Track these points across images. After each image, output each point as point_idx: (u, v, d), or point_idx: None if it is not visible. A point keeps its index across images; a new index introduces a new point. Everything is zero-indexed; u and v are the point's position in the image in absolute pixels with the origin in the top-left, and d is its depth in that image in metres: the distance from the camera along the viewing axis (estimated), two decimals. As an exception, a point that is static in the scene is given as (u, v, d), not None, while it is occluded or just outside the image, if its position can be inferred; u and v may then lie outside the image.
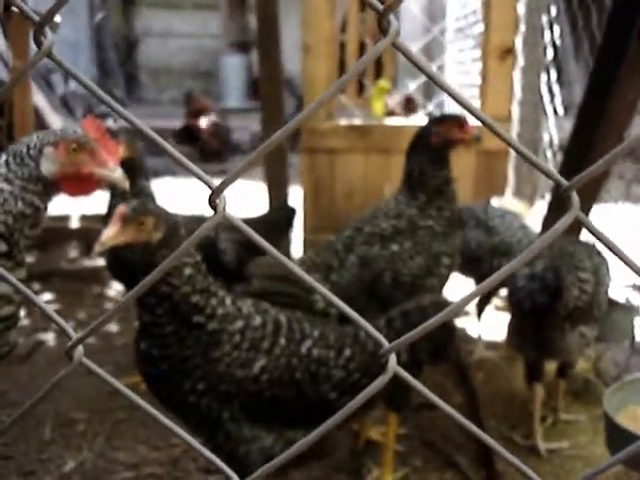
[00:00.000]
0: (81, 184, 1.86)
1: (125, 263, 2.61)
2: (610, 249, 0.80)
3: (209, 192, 0.79)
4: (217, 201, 0.78)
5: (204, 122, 9.94)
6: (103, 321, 0.83)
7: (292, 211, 4.07)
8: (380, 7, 0.76)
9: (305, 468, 2.82)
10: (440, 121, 2.97)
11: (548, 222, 3.91)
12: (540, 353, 2.98)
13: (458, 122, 2.92)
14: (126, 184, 1.87)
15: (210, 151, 10.01)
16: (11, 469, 3.06)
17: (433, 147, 2.91)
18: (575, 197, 0.77)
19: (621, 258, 0.81)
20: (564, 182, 0.77)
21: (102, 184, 1.88)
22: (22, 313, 4.77)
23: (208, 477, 3.01)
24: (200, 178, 0.79)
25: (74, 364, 0.85)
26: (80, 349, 0.85)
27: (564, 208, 0.76)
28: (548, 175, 0.78)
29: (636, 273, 0.82)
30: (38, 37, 0.79)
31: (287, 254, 4.78)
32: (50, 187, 1.83)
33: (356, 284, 2.86)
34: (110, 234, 2.00)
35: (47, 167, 1.80)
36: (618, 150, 0.77)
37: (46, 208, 1.86)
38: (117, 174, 1.84)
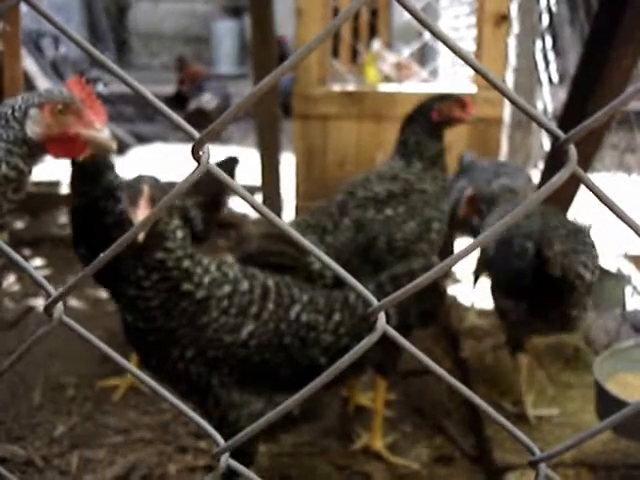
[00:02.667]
0: (67, 146, 1.82)
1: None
2: (607, 205, 0.78)
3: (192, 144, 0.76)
4: (200, 152, 0.76)
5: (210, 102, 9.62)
6: (83, 275, 0.81)
7: (234, 161, 3.96)
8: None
9: (295, 433, 2.83)
10: (443, 99, 3.02)
11: (544, 180, 3.89)
12: (555, 329, 2.92)
13: (460, 102, 3.00)
14: (113, 144, 1.83)
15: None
16: (1, 434, 3.06)
17: (432, 122, 2.99)
18: (573, 150, 0.74)
19: (618, 215, 0.79)
20: (561, 134, 0.74)
21: (89, 145, 1.84)
22: (12, 279, 4.75)
23: (198, 441, 3.01)
24: (183, 129, 0.77)
25: (54, 322, 0.83)
26: (60, 306, 0.83)
27: (561, 164, 0.74)
28: (545, 127, 0.76)
29: (633, 230, 0.80)
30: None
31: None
32: (36, 149, 1.80)
33: (351, 247, 2.86)
34: (146, 220, 1.97)
35: (32, 129, 1.77)
36: (616, 103, 0.74)
37: (30, 172, 1.83)
38: (104, 135, 1.80)
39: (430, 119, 2.98)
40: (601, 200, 0.78)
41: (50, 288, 0.84)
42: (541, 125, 0.76)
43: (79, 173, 3.12)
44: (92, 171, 3.08)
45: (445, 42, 0.81)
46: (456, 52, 0.81)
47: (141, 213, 1.99)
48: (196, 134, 0.77)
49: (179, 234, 2.14)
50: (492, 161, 4.36)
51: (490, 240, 0.74)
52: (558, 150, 0.74)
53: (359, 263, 2.84)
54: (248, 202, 0.86)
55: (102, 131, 1.81)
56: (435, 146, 3.01)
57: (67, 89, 1.84)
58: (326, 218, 2.94)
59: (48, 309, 0.82)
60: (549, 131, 0.76)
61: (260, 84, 0.72)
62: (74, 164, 3.09)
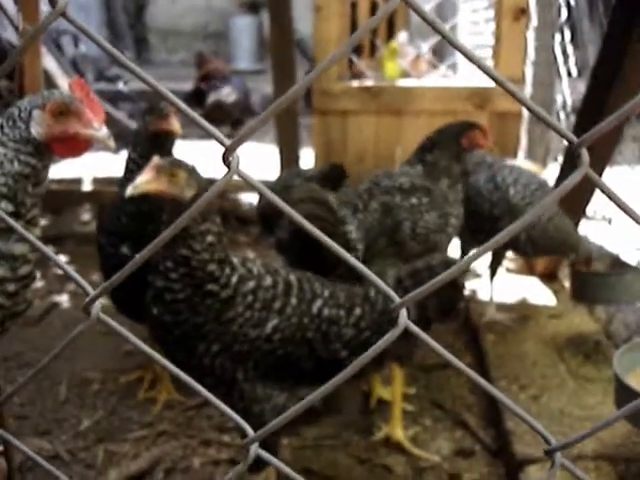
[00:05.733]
0: (70, 145, 1.88)
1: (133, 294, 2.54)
2: (620, 207, 0.80)
3: (222, 150, 0.79)
4: (230, 158, 0.79)
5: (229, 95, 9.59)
6: (119, 276, 0.84)
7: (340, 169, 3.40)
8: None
9: (316, 425, 2.86)
10: (471, 127, 3.19)
11: (560, 181, 3.89)
12: None
13: (484, 130, 3.19)
14: (111, 143, 1.88)
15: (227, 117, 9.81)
16: (27, 428, 3.11)
17: (462, 148, 3.17)
18: (585, 154, 0.77)
19: (631, 216, 0.81)
20: (574, 139, 0.77)
21: (91, 145, 1.89)
22: (37, 275, 4.82)
23: (221, 435, 3.06)
24: (214, 136, 0.80)
25: (91, 320, 0.86)
26: (97, 305, 0.86)
27: (575, 166, 0.77)
28: (558, 132, 0.78)
29: (646, 229, 0.82)
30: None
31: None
32: (42, 149, 1.86)
33: (378, 228, 2.94)
34: (143, 179, 2.02)
35: (36, 129, 1.84)
36: (629, 106, 0.76)
37: (45, 167, 1.89)
38: (102, 133, 1.86)
39: (461, 145, 3.15)
40: (614, 202, 0.80)
41: (88, 287, 0.88)
42: (554, 129, 0.79)
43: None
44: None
45: (456, 46, 0.83)
46: (469, 57, 0.83)
47: (143, 178, 2.04)
48: (227, 141, 0.80)
49: (209, 239, 2.14)
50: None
51: (507, 238, 0.76)
52: (572, 154, 0.77)
53: (385, 244, 2.93)
54: (269, 198, 0.89)
55: (100, 130, 1.86)
56: (459, 167, 3.18)
57: (69, 89, 1.90)
58: (356, 197, 3.04)
59: (86, 307, 0.86)
60: (562, 135, 0.78)
61: (285, 95, 0.75)
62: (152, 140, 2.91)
